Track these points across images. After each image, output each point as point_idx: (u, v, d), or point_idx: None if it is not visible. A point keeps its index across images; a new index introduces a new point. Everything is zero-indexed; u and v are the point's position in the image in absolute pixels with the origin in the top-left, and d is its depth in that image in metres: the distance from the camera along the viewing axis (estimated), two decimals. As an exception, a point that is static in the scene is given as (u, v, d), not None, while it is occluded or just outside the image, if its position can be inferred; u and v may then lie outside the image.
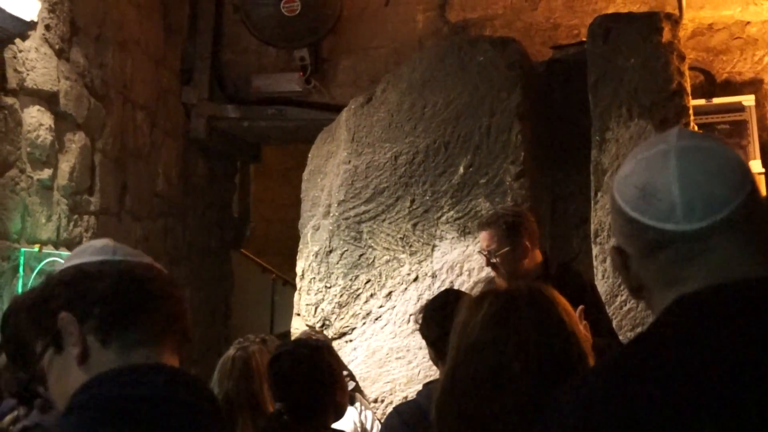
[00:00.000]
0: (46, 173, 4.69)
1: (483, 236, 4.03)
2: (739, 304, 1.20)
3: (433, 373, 3.37)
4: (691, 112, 4.72)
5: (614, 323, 4.39)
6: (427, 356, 3.39)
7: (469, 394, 1.70)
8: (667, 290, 1.28)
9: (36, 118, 4.58)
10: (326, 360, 2.99)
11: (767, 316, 1.18)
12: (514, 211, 4.21)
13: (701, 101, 5.88)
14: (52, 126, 4.74)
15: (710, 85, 6.34)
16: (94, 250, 1.49)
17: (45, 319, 1.43)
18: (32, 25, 4.34)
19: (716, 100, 6.05)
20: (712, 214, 1.25)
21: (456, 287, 4.80)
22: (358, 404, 4.52)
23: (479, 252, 4.11)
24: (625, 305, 4.49)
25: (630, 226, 1.32)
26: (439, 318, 3.13)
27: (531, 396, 1.62)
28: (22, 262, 4.42)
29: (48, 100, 4.71)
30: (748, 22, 6.29)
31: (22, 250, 4.44)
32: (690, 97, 4.76)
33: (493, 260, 3.96)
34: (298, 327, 5.25)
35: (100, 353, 1.39)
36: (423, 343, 3.51)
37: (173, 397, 1.35)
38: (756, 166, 5.86)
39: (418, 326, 3.27)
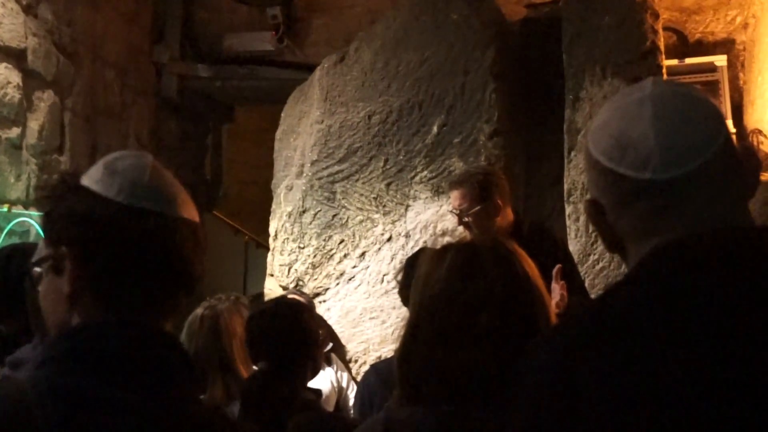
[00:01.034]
0: (15, 132, 4.63)
1: (454, 195, 4.01)
2: (714, 253, 1.20)
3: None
4: (664, 71, 4.72)
5: (587, 282, 4.41)
6: (401, 315, 3.40)
7: (434, 345, 1.68)
8: (643, 241, 1.27)
9: (3, 76, 4.51)
10: (305, 319, 2.99)
11: (742, 265, 1.18)
12: (485, 170, 4.20)
13: (674, 61, 5.88)
14: (20, 84, 4.66)
15: (683, 45, 6.35)
16: (125, 177, 1.41)
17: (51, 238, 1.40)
18: (-2, -21, 4.26)
19: (688, 60, 6.05)
20: (688, 162, 1.24)
21: (430, 247, 4.80)
22: (334, 365, 4.54)
23: (450, 211, 4.09)
24: (598, 264, 4.51)
25: (605, 176, 1.30)
26: (410, 276, 3.14)
27: (496, 346, 1.62)
28: (-9, 221, 4.38)
29: (16, 57, 4.63)
30: (721, -18, 6.29)
31: (-8, 209, 4.40)
32: (663, 56, 4.75)
33: (466, 219, 3.95)
34: (271, 288, 5.24)
35: (90, 301, 1.37)
36: (397, 303, 3.52)
37: (146, 353, 1.34)
38: (728, 126, 5.88)
39: (397, 285, 3.28)
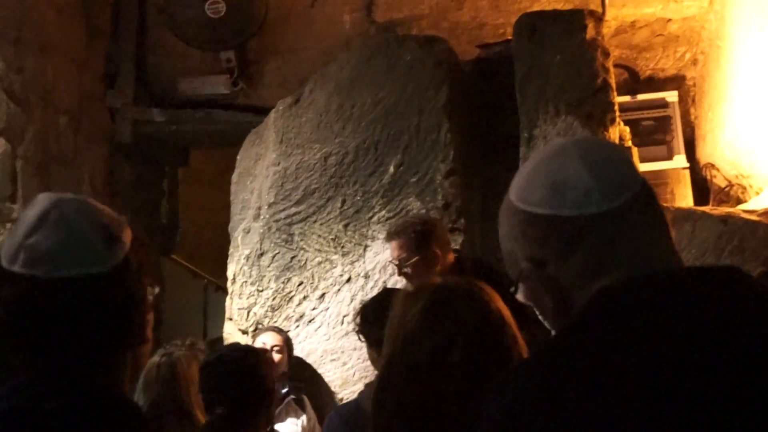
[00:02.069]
0: (-35, 181, 4.56)
1: (392, 246, 4.02)
2: (656, 296, 1.20)
3: (369, 373, 3.36)
4: (616, 108, 4.78)
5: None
6: (363, 357, 3.39)
7: (406, 382, 1.71)
8: (589, 284, 1.26)
9: (-47, 125, 4.46)
10: (262, 365, 2.97)
11: (683, 306, 1.19)
12: (422, 219, 4.22)
13: (626, 98, 5.97)
14: (-30, 132, 4.61)
15: (634, 82, 6.45)
16: (13, 236, 1.37)
17: None
18: (-53, 28, 4.22)
19: (640, 97, 6.14)
20: (625, 191, 1.28)
21: (389, 287, 4.79)
22: (305, 413, 4.52)
23: (390, 262, 4.09)
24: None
25: (544, 228, 1.30)
26: (380, 317, 3.13)
27: (469, 384, 1.63)
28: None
29: (-35, 105, 4.58)
30: (670, 20, 6.41)
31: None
32: (615, 93, 4.82)
33: (405, 270, 3.95)
34: (230, 332, 5.19)
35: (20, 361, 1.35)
36: (357, 344, 3.50)
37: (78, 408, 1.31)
38: (680, 161, 5.97)
39: (356, 327, 3.26)
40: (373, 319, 3.11)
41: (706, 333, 1.15)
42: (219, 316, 5.85)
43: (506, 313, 1.79)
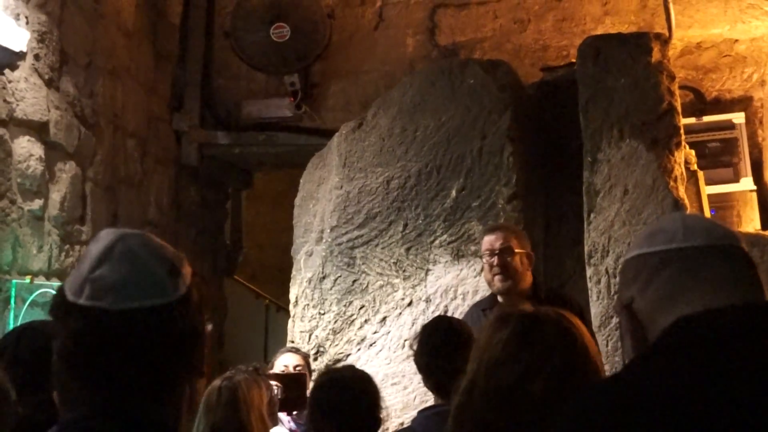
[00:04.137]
0: (37, 204, 4.67)
1: (496, 236, 4.14)
2: (734, 328, 1.24)
3: (429, 398, 3.35)
4: (682, 131, 4.72)
5: (609, 345, 4.38)
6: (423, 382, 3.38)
7: (487, 407, 1.74)
8: (667, 312, 1.33)
9: (26, 149, 4.57)
10: (373, 390, 2.99)
11: (759, 342, 1.21)
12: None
13: (692, 119, 5.91)
14: (43, 156, 4.72)
15: (700, 103, 6.37)
16: (79, 271, 1.40)
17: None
18: (21, 55, 4.33)
19: (706, 119, 6.07)
20: (710, 239, 1.39)
21: (450, 311, 4.78)
22: None
23: (490, 253, 4.11)
24: (621, 326, 4.47)
25: (637, 264, 1.43)
26: (426, 345, 3.14)
27: (549, 413, 1.63)
28: (13, 293, 4.39)
29: (38, 130, 4.69)
30: (737, 40, 6.32)
31: (14, 281, 4.41)
32: (680, 117, 4.76)
33: (508, 258, 4.06)
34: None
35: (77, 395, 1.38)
36: (418, 368, 3.50)
37: None
38: (747, 183, 5.88)
39: (412, 352, 3.26)
40: (420, 345, 3.14)
41: None
42: (280, 336, 5.91)
43: (592, 345, 1.81)
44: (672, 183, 4.57)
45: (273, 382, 3.92)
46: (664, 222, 1.47)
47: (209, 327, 1.52)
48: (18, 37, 4.24)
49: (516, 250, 4.11)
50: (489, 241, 4.16)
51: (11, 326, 4.29)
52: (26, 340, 2.47)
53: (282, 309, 8.28)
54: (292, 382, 3.99)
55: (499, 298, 4.22)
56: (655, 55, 4.77)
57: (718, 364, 1.18)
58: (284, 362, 4.50)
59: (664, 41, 4.89)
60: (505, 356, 1.76)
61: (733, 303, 1.30)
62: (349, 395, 2.90)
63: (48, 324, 2.50)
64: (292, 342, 5.20)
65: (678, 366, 1.21)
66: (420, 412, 3.22)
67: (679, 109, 4.77)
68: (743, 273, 1.38)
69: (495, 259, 4.10)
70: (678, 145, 4.68)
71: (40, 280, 4.63)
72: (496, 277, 4.11)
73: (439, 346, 3.12)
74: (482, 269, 4.37)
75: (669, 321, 1.30)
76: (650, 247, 1.42)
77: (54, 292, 4.48)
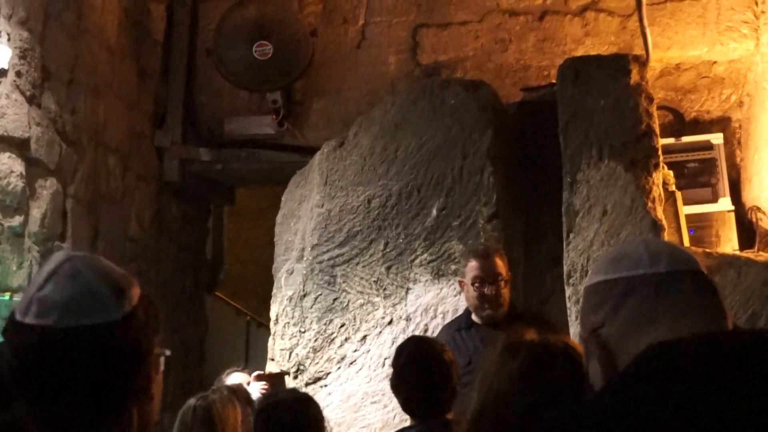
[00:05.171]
0: (17, 220, 4.66)
1: (493, 263, 4.20)
2: (704, 357, 1.25)
3: (409, 417, 3.36)
4: (660, 153, 4.76)
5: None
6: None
7: None
8: (636, 339, 1.35)
9: (7, 165, 4.56)
10: (315, 412, 3.01)
11: (730, 370, 1.22)
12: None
13: (670, 140, 5.95)
14: (23, 173, 4.71)
15: (679, 124, 6.42)
16: (29, 289, 1.42)
17: None
18: (3, 72, 4.33)
19: (685, 139, 6.12)
20: (675, 265, 1.41)
21: (430, 330, 4.80)
22: None
23: (477, 279, 4.16)
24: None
25: (602, 291, 1.44)
26: (395, 366, 3.18)
27: None
28: (-7, 310, 4.38)
29: (19, 146, 4.69)
30: (715, 62, 6.39)
31: (-7, 298, 4.40)
32: (659, 138, 4.80)
33: (502, 286, 4.16)
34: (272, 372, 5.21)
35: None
36: (399, 387, 3.53)
37: None
38: (726, 203, 5.93)
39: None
40: (395, 368, 3.18)
41: (753, 398, 1.17)
42: (261, 352, 5.90)
43: None
44: (650, 204, 4.61)
45: (262, 382, 4.26)
46: (627, 247, 1.48)
47: (165, 352, 1.54)
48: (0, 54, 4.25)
49: (505, 277, 4.17)
50: (481, 267, 4.19)
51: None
52: (6, 357, 2.47)
53: (263, 325, 8.27)
54: (278, 379, 4.45)
55: (475, 318, 4.26)
56: (634, 77, 4.81)
57: (690, 393, 1.19)
58: (234, 382, 4.52)
59: (643, 63, 4.95)
60: (516, 388, 1.78)
61: (702, 330, 1.32)
62: (291, 417, 2.92)
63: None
64: (273, 360, 5.20)
65: (651, 394, 1.21)
66: (399, 432, 3.25)
67: (658, 130, 4.81)
68: (707, 298, 1.40)
69: (490, 289, 4.15)
70: (656, 166, 4.72)
71: (19, 297, 4.62)
72: (488, 306, 4.15)
73: (406, 367, 3.16)
74: (462, 290, 4.39)
75: (638, 348, 1.30)
76: (615, 273, 1.42)
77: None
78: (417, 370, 3.15)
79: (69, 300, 1.38)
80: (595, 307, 1.44)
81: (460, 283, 4.38)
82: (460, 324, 4.35)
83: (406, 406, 3.18)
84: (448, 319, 4.81)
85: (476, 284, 4.19)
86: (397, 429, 4.70)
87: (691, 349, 1.26)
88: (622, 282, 1.40)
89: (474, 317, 4.28)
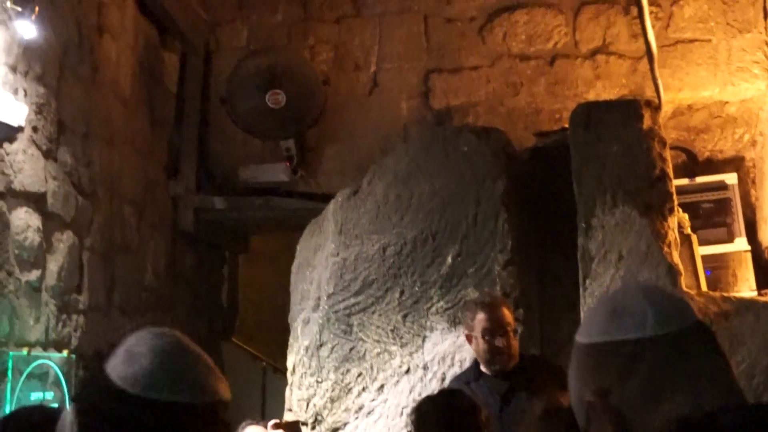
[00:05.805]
0: (34, 274, 4.68)
1: (503, 313, 4.20)
2: None
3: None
4: (674, 196, 4.76)
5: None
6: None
7: None
8: (653, 409, 1.30)
9: (24, 220, 4.59)
10: None
11: None
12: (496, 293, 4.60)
13: (684, 180, 5.95)
14: (40, 227, 4.74)
15: (692, 164, 6.42)
16: (141, 365, 1.43)
17: None
18: (20, 129, 4.37)
19: (699, 179, 6.11)
20: (680, 321, 1.35)
21: (448, 379, 4.78)
22: None
23: (487, 331, 4.16)
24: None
25: (604, 354, 1.36)
26: (437, 420, 3.16)
27: None
28: (11, 365, 4.38)
29: (36, 201, 4.72)
30: (727, 102, 6.40)
31: (11, 353, 4.40)
32: (672, 182, 4.80)
33: (512, 337, 4.18)
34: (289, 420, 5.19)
35: None
36: (418, 435, 3.51)
37: None
38: (742, 243, 5.91)
39: (411, 427, 3.26)
40: (426, 419, 3.14)
41: None
42: (277, 398, 5.87)
43: None
44: (666, 248, 4.60)
45: (279, 431, 4.24)
46: (624, 299, 1.39)
47: None
48: (16, 112, 4.29)
49: (513, 326, 4.19)
50: (490, 319, 4.17)
51: (8, 398, 4.28)
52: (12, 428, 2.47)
53: (279, 371, 8.24)
54: (295, 428, 4.54)
55: (484, 369, 4.24)
56: (647, 122, 4.82)
57: None
58: None
59: (655, 108, 4.95)
60: None
61: (720, 400, 1.29)
62: None
63: (35, 409, 2.51)
64: (290, 410, 5.19)
65: None
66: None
67: (672, 174, 4.82)
68: (715, 355, 1.36)
69: (500, 341, 4.13)
70: (671, 210, 4.72)
71: (37, 351, 4.63)
72: (500, 358, 4.14)
73: (449, 421, 3.14)
74: (470, 343, 4.37)
75: (658, 420, 1.28)
76: (619, 334, 1.34)
77: (51, 363, 4.48)
78: (451, 419, 3.14)
79: (184, 376, 1.43)
80: (599, 367, 1.36)
81: (467, 336, 4.34)
82: (469, 377, 4.33)
83: None
84: (466, 367, 4.80)
85: (486, 337, 4.17)
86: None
87: (715, 425, 1.24)
88: (630, 344, 1.33)
89: (483, 368, 4.26)
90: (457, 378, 4.49)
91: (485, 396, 4.14)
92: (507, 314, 4.21)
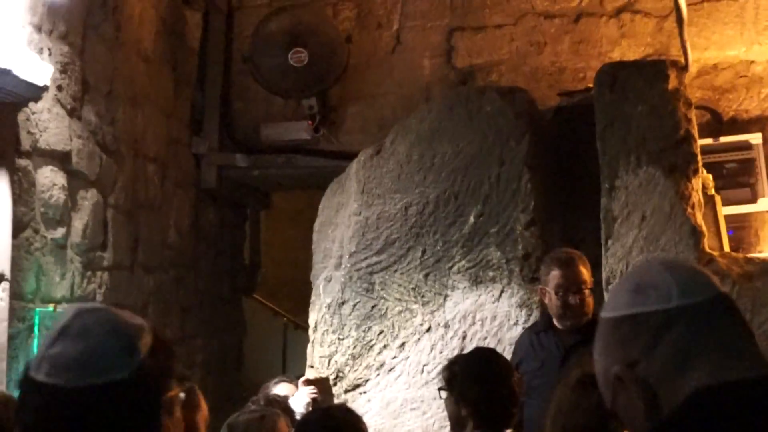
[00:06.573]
0: (60, 232, 4.72)
1: (578, 271, 4.20)
2: (754, 403, 1.26)
3: (448, 423, 3.38)
4: (699, 158, 4.73)
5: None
6: (443, 407, 3.42)
7: None
8: (681, 379, 1.32)
9: (49, 178, 4.63)
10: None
11: None
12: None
13: (708, 140, 5.90)
14: (65, 185, 4.78)
15: (717, 124, 6.37)
16: (41, 345, 1.46)
17: None
18: (45, 89, 4.39)
19: (723, 139, 6.06)
20: (704, 292, 1.38)
21: (469, 337, 4.82)
22: None
23: (561, 288, 4.17)
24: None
25: (631, 327, 1.38)
26: (478, 377, 3.18)
27: None
28: (37, 321, 4.44)
29: (61, 159, 4.75)
30: (753, 61, 6.33)
31: (37, 309, 4.46)
32: (698, 143, 4.77)
33: (586, 295, 4.16)
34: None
35: None
36: (437, 393, 3.53)
37: None
38: (765, 203, 5.87)
39: (444, 382, 3.28)
40: (471, 379, 3.17)
41: None
42: (298, 353, 5.94)
43: None
44: (689, 210, 4.58)
45: (311, 387, 4.37)
46: (648, 275, 1.42)
47: (181, 395, 1.55)
48: (42, 71, 4.29)
49: (589, 284, 4.18)
50: (564, 276, 4.17)
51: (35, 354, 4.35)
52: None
53: (300, 327, 8.32)
54: (326, 384, 4.66)
55: (556, 323, 4.26)
56: (672, 82, 4.78)
57: None
58: (282, 392, 4.55)
59: (681, 68, 4.90)
60: (593, 425, 1.75)
61: (744, 366, 1.31)
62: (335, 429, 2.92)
63: (11, 398, 2.57)
64: (312, 366, 5.24)
65: None
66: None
67: (696, 135, 4.78)
68: (738, 324, 1.38)
69: (574, 298, 4.14)
70: (695, 171, 4.69)
71: (63, 308, 4.69)
72: (572, 314, 4.15)
73: (485, 378, 3.16)
74: (540, 297, 4.44)
75: (685, 388, 1.30)
76: (645, 306, 1.37)
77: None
78: (497, 380, 3.17)
79: (78, 359, 1.40)
80: (625, 340, 1.38)
81: (541, 290, 4.35)
82: (539, 327, 4.38)
83: (480, 414, 3.16)
84: (487, 326, 4.84)
85: (560, 293, 4.18)
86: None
87: (742, 395, 1.26)
88: (656, 315, 1.36)
89: (555, 322, 4.28)
90: (531, 327, 4.55)
91: (551, 347, 4.20)
92: (582, 272, 4.19)
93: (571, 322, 4.17)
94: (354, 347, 5.06)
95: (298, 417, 3.84)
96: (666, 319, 1.35)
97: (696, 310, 1.35)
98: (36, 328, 4.43)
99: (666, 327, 1.34)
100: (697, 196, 4.65)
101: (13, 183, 4.23)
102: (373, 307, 5.07)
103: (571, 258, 4.28)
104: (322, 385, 4.48)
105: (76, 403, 1.39)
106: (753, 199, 5.92)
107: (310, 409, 4.14)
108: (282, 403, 3.96)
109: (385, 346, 5.01)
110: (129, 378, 1.41)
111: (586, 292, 4.18)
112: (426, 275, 5.00)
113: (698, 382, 1.29)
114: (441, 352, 4.86)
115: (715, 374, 1.29)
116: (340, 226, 5.38)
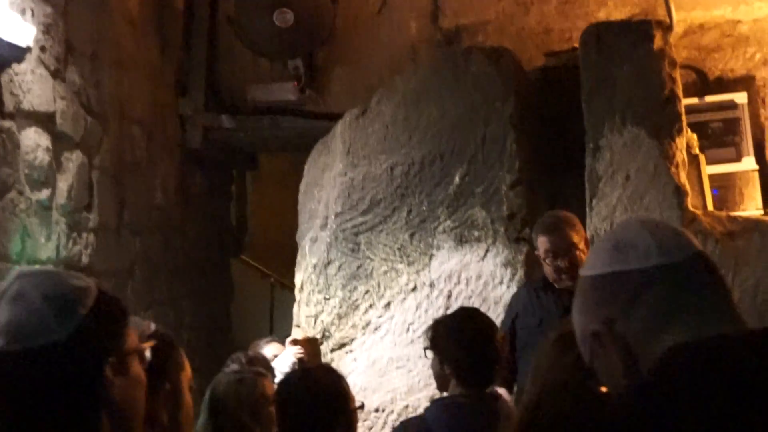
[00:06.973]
0: (45, 194, 4.71)
1: (564, 234, 4.19)
2: (736, 358, 1.26)
3: (434, 381, 3.41)
4: (683, 118, 4.75)
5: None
6: (428, 365, 3.45)
7: (554, 428, 1.73)
8: (659, 337, 1.33)
9: (33, 140, 4.60)
10: (344, 385, 3.02)
11: (754, 370, 1.24)
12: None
13: (694, 99, 5.91)
14: (50, 146, 4.76)
15: (702, 83, 6.37)
16: None
17: None
18: (28, 50, 4.36)
19: (708, 98, 6.07)
20: (682, 251, 1.39)
21: (454, 296, 4.86)
22: None
23: (549, 254, 4.18)
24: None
25: (610, 285, 1.40)
26: (460, 337, 3.20)
27: None
28: (23, 283, 4.45)
29: (45, 121, 4.72)
30: (739, 21, 6.32)
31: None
32: (682, 103, 4.79)
33: (575, 256, 4.13)
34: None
35: None
36: (422, 352, 3.57)
37: None
38: (749, 163, 5.90)
39: (429, 342, 3.31)
40: (452, 338, 3.19)
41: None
42: (286, 313, 5.97)
43: None
44: (673, 169, 4.61)
45: (297, 347, 4.34)
46: (626, 235, 1.43)
47: (135, 346, 1.55)
48: (24, 32, 4.26)
49: (579, 245, 4.16)
50: (550, 242, 4.19)
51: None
52: None
53: (287, 287, 8.35)
54: (313, 343, 4.61)
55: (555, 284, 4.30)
56: (657, 43, 4.79)
57: (723, 396, 1.21)
58: (272, 352, 4.61)
59: (666, 28, 4.91)
60: (572, 383, 1.75)
61: (721, 324, 1.33)
62: (315, 389, 2.92)
63: None
64: (298, 326, 5.27)
65: (682, 398, 1.23)
66: (434, 402, 3.28)
67: (681, 95, 4.80)
68: (719, 285, 1.40)
69: (563, 261, 4.15)
70: (680, 131, 4.72)
71: (48, 269, 4.69)
72: (566, 276, 4.15)
73: (465, 337, 3.18)
74: (532, 261, 4.51)
75: (661, 347, 1.31)
76: (624, 264, 1.39)
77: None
78: (481, 341, 3.18)
79: (12, 322, 1.41)
80: (604, 299, 1.40)
81: (537, 254, 4.38)
82: (539, 284, 4.40)
83: (458, 370, 3.17)
84: (472, 286, 4.87)
85: (547, 259, 4.21)
86: (421, 393, 4.79)
87: (717, 351, 1.27)
88: (635, 274, 1.37)
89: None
90: (528, 282, 4.61)
91: (550, 306, 4.24)
92: (569, 234, 4.19)
93: (563, 286, 4.20)
94: (340, 307, 5.10)
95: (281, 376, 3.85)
96: (645, 278, 1.36)
97: (675, 270, 1.37)
98: (22, 290, 4.43)
99: (644, 286, 1.36)
100: (681, 156, 4.68)
101: (-4, 144, 4.22)
102: (358, 267, 5.10)
103: (556, 223, 4.29)
104: (309, 345, 4.50)
105: (12, 367, 1.40)
106: (737, 159, 5.94)
107: (296, 368, 4.16)
108: (263, 362, 3.98)
109: (370, 306, 5.05)
110: (67, 340, 1.41)
111: (577, 253, 4.16)
112: (411, 235, 5.03)
113: (675, 340, 1.30)
114: (426, 311, 4.90)
115: (692, 332, 1.31)
116: (325, 186, 5.39)
